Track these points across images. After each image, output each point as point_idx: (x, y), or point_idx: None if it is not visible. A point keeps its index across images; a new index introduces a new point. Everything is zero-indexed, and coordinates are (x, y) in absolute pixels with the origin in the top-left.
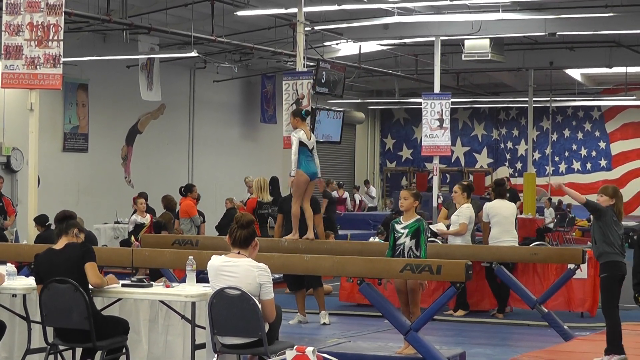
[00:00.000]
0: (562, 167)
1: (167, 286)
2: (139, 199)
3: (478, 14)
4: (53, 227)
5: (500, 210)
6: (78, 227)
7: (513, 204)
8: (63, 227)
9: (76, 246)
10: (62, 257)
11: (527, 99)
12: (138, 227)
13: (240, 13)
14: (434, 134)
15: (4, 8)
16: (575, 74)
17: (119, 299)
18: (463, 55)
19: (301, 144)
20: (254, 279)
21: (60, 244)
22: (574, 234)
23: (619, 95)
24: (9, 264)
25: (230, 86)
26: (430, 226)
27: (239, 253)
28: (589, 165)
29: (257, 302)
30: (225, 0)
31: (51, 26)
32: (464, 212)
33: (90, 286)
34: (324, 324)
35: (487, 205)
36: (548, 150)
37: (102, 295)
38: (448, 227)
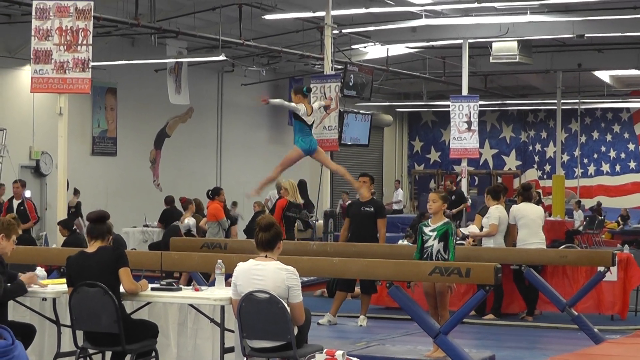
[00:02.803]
0: (591, 169)
1: (197, 290)
2: (191, 204)
3: (506, 16)
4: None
5: (527, 213)
6: (111, 231)
7: (540, 207)
8: (99, 231)
9: (108, 250)
10: (94, 261)
11: (555, 101)
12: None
13: (267, 17)
14: (462, 136)
15: (33, 13)
16: (604, 75)
17: (148, 303)
18: (491, 58)
19: (300, 119)
20: (282, 281)
21: (92, 247)
22: (603, 236)
23: None
24: (38, 268)
25: (258, 89)
26: (463, 229)
27: (266, 256)
28: (617, 167)
29: (285, 305)
30: (253, 3)
31: (80, 31)
32: (493, 213)
33: (122, 290)
34: (360, 325)
35: (513, 207)
36: (577, 153)
37: (131, 299)
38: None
